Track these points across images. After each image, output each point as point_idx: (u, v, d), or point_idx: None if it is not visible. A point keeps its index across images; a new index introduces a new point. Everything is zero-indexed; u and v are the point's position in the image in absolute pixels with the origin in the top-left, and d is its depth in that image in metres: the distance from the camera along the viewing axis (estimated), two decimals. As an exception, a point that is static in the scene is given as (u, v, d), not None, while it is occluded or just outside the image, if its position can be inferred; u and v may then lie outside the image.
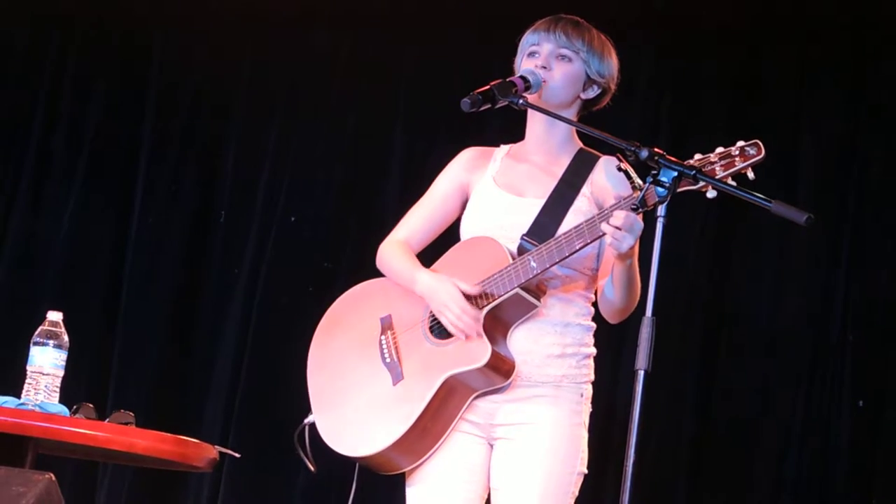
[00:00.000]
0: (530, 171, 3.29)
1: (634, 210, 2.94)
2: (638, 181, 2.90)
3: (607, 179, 3.21)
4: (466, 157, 3.39)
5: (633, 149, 2.86)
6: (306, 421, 3.29)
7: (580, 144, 3.32)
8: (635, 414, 2.71)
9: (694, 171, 2.83)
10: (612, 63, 3.31)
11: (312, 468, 3.30)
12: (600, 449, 4.78)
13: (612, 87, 3.33)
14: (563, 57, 3.25)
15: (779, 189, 4.76)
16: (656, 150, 2.85)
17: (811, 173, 5.00)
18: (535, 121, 3.32)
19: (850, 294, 4.89)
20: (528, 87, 3.16)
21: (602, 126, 3.06)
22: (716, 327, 5.06)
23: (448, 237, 3.41)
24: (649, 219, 2.92)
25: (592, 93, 3.30)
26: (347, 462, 3.27)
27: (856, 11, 5.00)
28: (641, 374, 2.73)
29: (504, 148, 3.38)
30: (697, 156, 2.91)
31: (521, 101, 3.12)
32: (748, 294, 5.05)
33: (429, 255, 3.37)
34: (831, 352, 4.89)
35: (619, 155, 2.92)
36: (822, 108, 5.05)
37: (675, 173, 2.82)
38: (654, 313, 2.73)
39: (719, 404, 5.00)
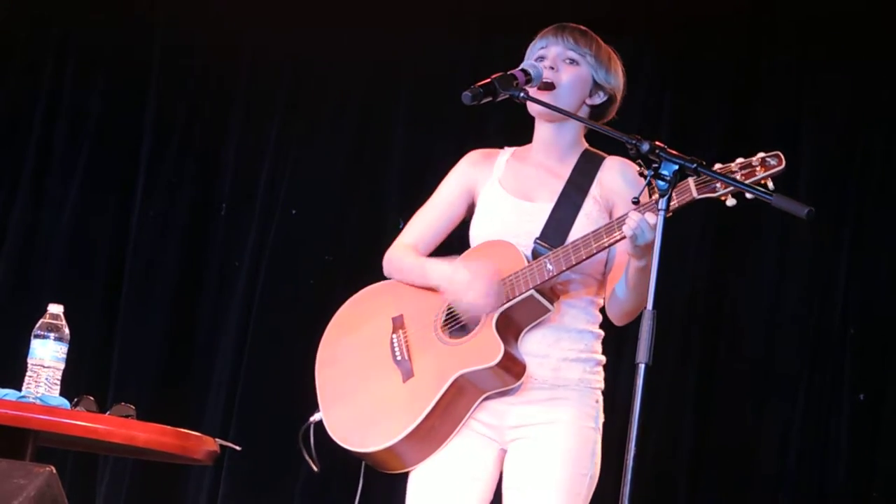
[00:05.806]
0: (537, 174, 3.28)
1: (635, 203, 2.92)
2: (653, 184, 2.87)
3: (620, 180, 3.22)
4: (471, 160, 3.38)
5: (634, 142, 2.84)
6: (312, 419, 3.27)
7: (586, 145, 3.32)
8: (636, 408, 2.71)
9: (695, 165, 2.81)
10: (619, 74, 3.30)
11: (315, 468, 3.28)
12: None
13: (619, 97, 3.32)
14: (570, 60, 3.24)
15: (779, 186, 4.74)
16: (657, 143, 2.84)
17: (812, 170, 4.99)
18: (542, 123, 3.31)
19: (850, 288, 4.89)
20: (528, 81, 3.13)
21: (603, 122, 3.06)
22: (716, 321, 5.06)
23: (454, 239, 3.40)
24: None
25: (599, 99, 3.29)
26: (349, 457, 3.26)
27: (856, 9, 5.00)
28: (642, 367, 2.72)
29: (508, 150, 3.37)
30: (717, 165, 2.90)
31: (522, 94, 3.10)
32: (748, 287, 5.05)
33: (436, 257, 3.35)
34: (832, 346, 4.89)
35: (639, 161, 2.87)
36: (822, 105, 5.04)
37: (676, 166, 2.81)
38: (654, 307, 2.73)
39: (719, 399, 5.00)
